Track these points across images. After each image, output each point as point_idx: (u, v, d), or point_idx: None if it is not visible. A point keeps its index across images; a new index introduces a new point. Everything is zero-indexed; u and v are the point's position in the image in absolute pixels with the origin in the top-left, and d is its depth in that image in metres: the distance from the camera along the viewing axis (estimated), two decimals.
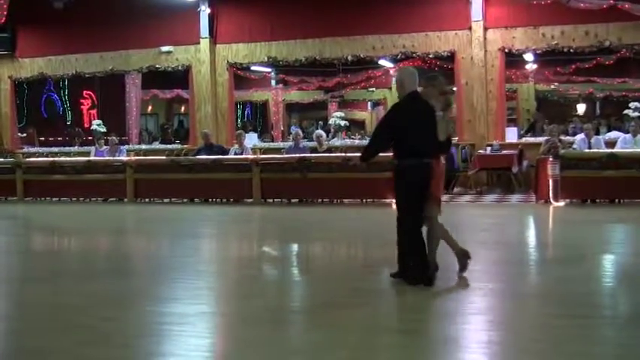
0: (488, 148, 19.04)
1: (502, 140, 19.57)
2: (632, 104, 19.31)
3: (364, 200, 17.25)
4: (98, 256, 11.90)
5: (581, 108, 34.69)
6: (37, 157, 22.73)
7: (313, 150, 18.77)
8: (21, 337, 6.86)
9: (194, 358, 6.12)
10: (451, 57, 20.57)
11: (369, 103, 35.71)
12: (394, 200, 8.53)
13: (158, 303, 7.99)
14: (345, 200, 17.30)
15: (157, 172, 18.83)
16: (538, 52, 20.72)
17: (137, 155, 21.11)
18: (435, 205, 8.48)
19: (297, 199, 17.60)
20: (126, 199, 18.87)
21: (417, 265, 8.21)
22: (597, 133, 20.83)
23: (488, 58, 19.97)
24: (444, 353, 6.09)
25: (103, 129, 24.15)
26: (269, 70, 28.77)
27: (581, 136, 17.85)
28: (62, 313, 7.55)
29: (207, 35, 22.37)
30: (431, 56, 21.28)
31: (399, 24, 20.73)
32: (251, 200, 17.76)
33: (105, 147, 21.16)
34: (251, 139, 22.25)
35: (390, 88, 34.50)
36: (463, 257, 8.64)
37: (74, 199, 19.57)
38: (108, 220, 16.71)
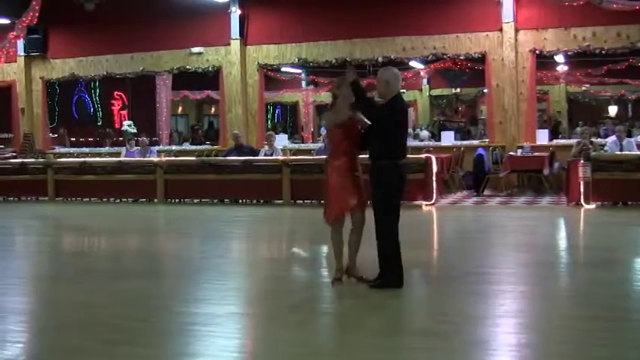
0: (519, 150, 18.94)
1: (533, 142, 19.47)
2: None
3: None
4: (128, 256, 11.93)
5: (612, 110, 34.56)
6: (68, 157, 22.88)
7: None
8: (51, 335, 6.91)
9: (223, 358, 6.14)
10: (482, 58, 20.53)
11: None
12: (376, 200, 8.36)
13: (187, 303, 8.01)
14: None
15: (187, 173, 18.86)
16: (569, 53, 20.58)
17: (167, 156, 21.14)
18: (335, 212, 8.53)
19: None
20: (156, 200, 18.92)
21: (393, 267, 8.23)
22: (629, 135, 20.69)
23: (519, 59, 19.88)
24: (473, 356, 6.07)
25: (134, 130, 24.28)
26: (299, 71, 28.87)
27: (612, 138, 17.74)
28: (92, 313, 7.58)
29: (237, 36, 22.41)
30: (462, 58, 21.28)
31: (430, 25, 20.69)
32: (281, 201, 17.76)
33: (136, 148, 21.21)
34: (281, 140, 22.25)
35: (421, 90, 34.66)
36: (337, 277, 8.50)
37: (104, 199, 19.65)
38: (138, 221, 16.79)
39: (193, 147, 24.54)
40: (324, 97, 33.41)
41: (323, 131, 23.73)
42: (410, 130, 25.95)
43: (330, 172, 8.53)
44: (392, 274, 8.20)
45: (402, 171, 8.37)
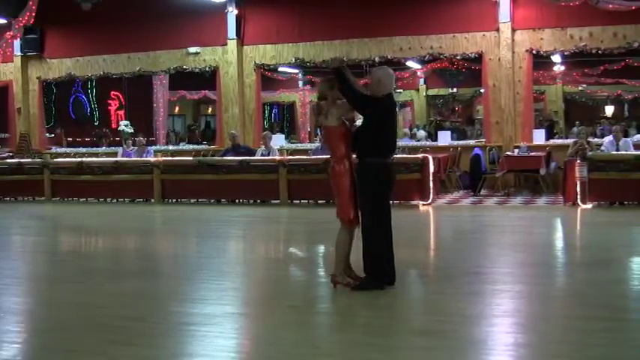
0: (516, 150, 18.95)
1: (530, 142, 19.48)
2: None
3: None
4: (125, 256, 11.93)
5: (609, 110, 34.63)
6: (65, 157, 22.85)
7: None
8: (48, 336, 6.90)
9: (221, 358, 6.13)
10: (479, 58, 20.53)
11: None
12: (363, 199, 8.29)
13: (185, 303, 8.01)
14: None
15: (184, 173, 18.84)
16: (566, 53, 20.59)
17: (164, 156, 21.10)
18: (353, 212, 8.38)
19: (324, 200, 17.53)
20: (153, 200, 18.91)
21: (376, 268, 8.21)
22: (626, 135, 20.71)
23: (516, 59, 19.89)
24: (471, 355, 6.07)
25: (131, 130, 24.26)
26: (296, 71, 28.85)
27: (609, 138, 17.77)
28: (89, 313, 7.58)
29: (234, 36, 22.40)
30: (458, 57, 21.30)
31: (427, 25, 20.70)
32: (278, 201, 17.76)
33: (132, 148, 21.21)
34: (278, 140, 22.24)
35: (418, 90, 34.68)
36: (336, 278, 8.34)
37: (101, 199, 19.65)
38: (135, 221, 16.77)
39: (190, 147, 24.52)
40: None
41: (320, 131, 23.76)
42: (407, 130, 25.96)
43: (335, 175, 8.37)
44: (373, 275, 8.16)
45: (391, 169, 8.33)
